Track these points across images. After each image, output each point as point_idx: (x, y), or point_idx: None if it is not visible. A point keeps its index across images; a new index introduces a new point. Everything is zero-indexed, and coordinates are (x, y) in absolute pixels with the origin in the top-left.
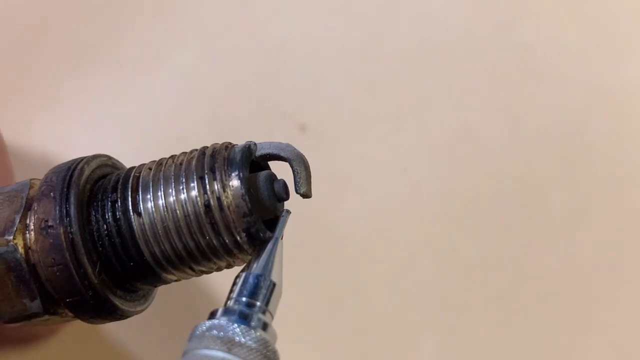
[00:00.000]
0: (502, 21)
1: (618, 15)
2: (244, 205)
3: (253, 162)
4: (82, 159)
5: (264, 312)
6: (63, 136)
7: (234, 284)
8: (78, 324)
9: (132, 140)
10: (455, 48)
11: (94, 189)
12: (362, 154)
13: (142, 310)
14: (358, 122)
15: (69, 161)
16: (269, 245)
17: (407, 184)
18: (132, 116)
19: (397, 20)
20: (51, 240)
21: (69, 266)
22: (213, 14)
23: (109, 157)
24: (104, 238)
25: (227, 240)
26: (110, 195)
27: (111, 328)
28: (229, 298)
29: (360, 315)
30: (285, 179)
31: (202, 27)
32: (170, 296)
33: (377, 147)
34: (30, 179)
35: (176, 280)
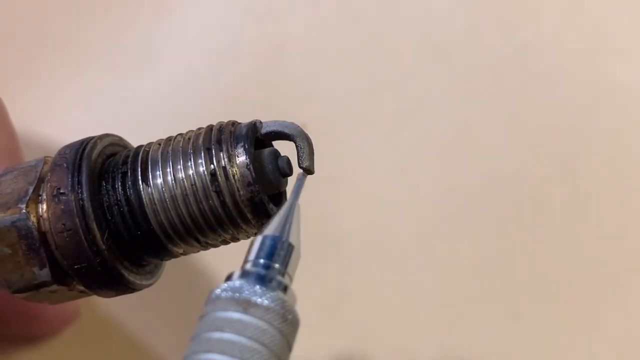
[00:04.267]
0: (502, 21)
1: (618, 15)
2: (249, 175)
3: (258, 140)
4: (95, 136)
5: (282, 275)
6: (63, 136)
7: (250, 246)
8: (78, 325)
9: (132, 139)
10: (455, 48)
11: (105, 163)
12: (362, 154)
13: (148, 285)
14: (358, 122)
15: (82, 138)
16: (285, 207)
17: (407, 184)
18: (132, 116)
19: (397, 20)
20: (62, 207)
21: (79, 232)
22: (213, 13)
23: (121, 138)
24: (113, 207)
25: (231, 209)
26: (120, 168)
27: (111, 330)
28: (245, 261)
29: (360, 315)
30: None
31: (202, 27)
32: (173, 300)
33: (377, 147)
34: (45, 156)
35: (183, 254)
